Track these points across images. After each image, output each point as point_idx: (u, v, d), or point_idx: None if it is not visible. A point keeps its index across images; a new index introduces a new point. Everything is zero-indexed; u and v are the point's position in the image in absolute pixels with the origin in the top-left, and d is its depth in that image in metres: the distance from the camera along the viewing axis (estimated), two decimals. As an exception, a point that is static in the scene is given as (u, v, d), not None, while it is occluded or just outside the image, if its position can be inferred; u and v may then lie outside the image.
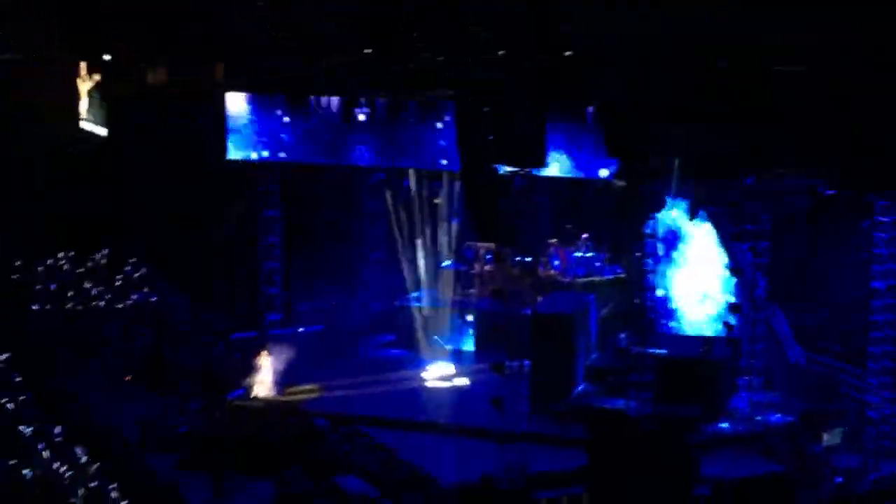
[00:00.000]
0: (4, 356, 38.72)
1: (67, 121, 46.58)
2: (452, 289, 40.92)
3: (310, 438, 33.42)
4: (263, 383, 36.76)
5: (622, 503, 29.63)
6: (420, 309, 40.76)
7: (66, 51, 46.48)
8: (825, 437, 32.10)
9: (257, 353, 37.19)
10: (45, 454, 32.20)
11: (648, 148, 32.67)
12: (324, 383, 37.37)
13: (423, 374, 38.23)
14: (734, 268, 34.86)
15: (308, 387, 37.23)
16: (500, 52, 31.89)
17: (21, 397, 36.11)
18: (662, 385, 32.91)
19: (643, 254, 34.47)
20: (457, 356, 39.05)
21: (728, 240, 34.98)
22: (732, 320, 34.39)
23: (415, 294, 41.70)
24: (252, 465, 32.06)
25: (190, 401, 35.80)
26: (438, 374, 38.16)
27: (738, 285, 34.90)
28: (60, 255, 45.93)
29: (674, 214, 35.59)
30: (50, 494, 30.23)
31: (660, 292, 35.42)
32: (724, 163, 33.96)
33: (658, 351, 33.51)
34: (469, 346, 39.62)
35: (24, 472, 31.14)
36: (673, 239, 35.85)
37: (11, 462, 31.56)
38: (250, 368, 36.87)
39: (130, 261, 45.70)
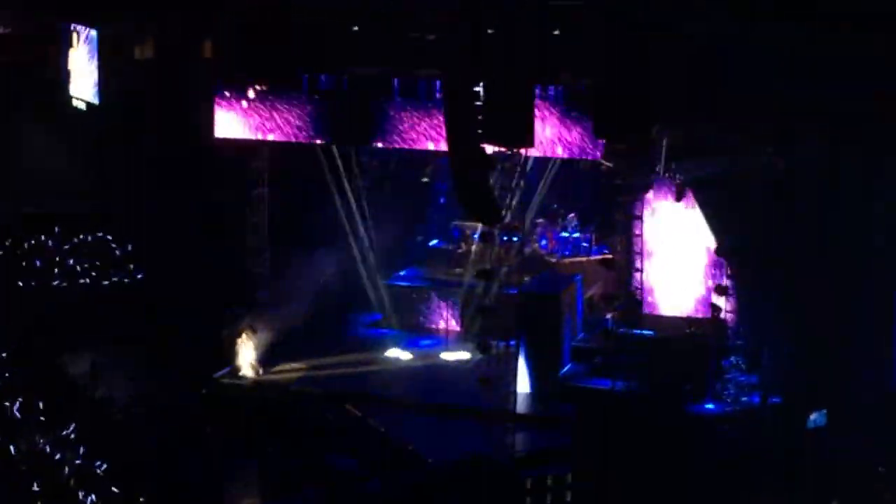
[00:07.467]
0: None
1: (60, 91, 46.07)
2: (439, 268, 40.96)
3: (297, 417, 33.50)
4: (250, 361, 36.77)
5: (606, 483, 29.85)
6: (407, 288, 40.77)
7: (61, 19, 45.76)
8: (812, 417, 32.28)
9: (244, 331, 37.17)
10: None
11: (637, 129, 32.60)
12: (311, 361, 37.42)
13: (410, 354, 38.28)
14: (721, 249, 34.94)
15: (295, 365, 37.28)
16: (489, 31, 31.71)
17: (5, 374, 36.00)
18: (648, 366, 33.05)
19: (630, 234, 34.45)
20: (444, 336, 39.09)
21: (716, 221, 35.02)
22: (719, 302, 34.51)
23: (402, 273, 41.71)
24: (241, 444, 32.15)
25: (178, 378, 35.80)
26: (425, 353, 38.25)
27: (724, 267, 35.01)
28: (45, 236, 45.59)
29: (661, 195, 35.63)
30: (37, 470, 30.18)
31: (647, 273, 35.48)
32: (710, 144, 34.02)
33: (644, 332, 33.64)
34: (455, 325, 39.66)
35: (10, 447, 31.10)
36: (660, 220, 35.90)
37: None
38: (237, 346, 36.86)
39: (116, 238, 45.49)
